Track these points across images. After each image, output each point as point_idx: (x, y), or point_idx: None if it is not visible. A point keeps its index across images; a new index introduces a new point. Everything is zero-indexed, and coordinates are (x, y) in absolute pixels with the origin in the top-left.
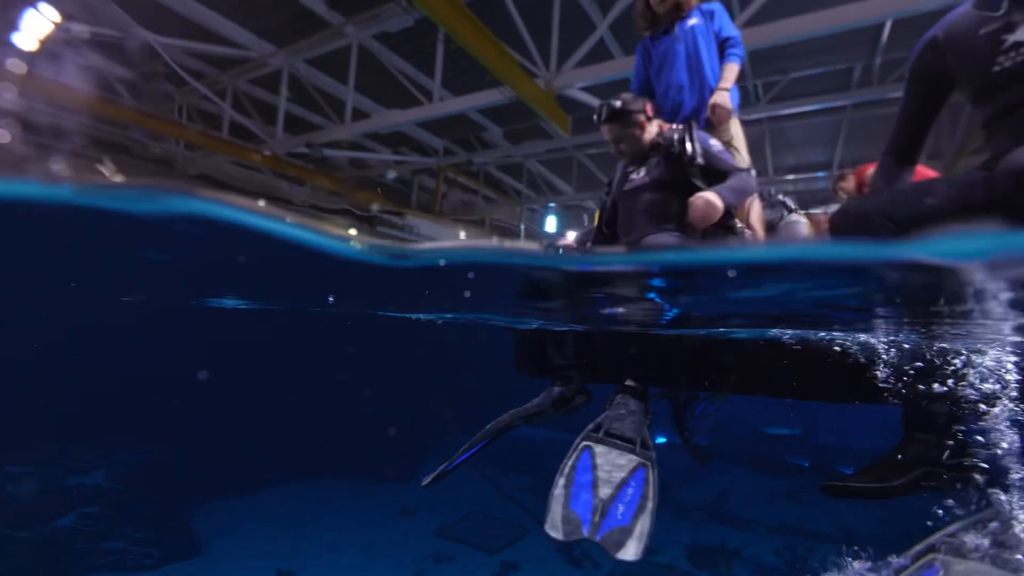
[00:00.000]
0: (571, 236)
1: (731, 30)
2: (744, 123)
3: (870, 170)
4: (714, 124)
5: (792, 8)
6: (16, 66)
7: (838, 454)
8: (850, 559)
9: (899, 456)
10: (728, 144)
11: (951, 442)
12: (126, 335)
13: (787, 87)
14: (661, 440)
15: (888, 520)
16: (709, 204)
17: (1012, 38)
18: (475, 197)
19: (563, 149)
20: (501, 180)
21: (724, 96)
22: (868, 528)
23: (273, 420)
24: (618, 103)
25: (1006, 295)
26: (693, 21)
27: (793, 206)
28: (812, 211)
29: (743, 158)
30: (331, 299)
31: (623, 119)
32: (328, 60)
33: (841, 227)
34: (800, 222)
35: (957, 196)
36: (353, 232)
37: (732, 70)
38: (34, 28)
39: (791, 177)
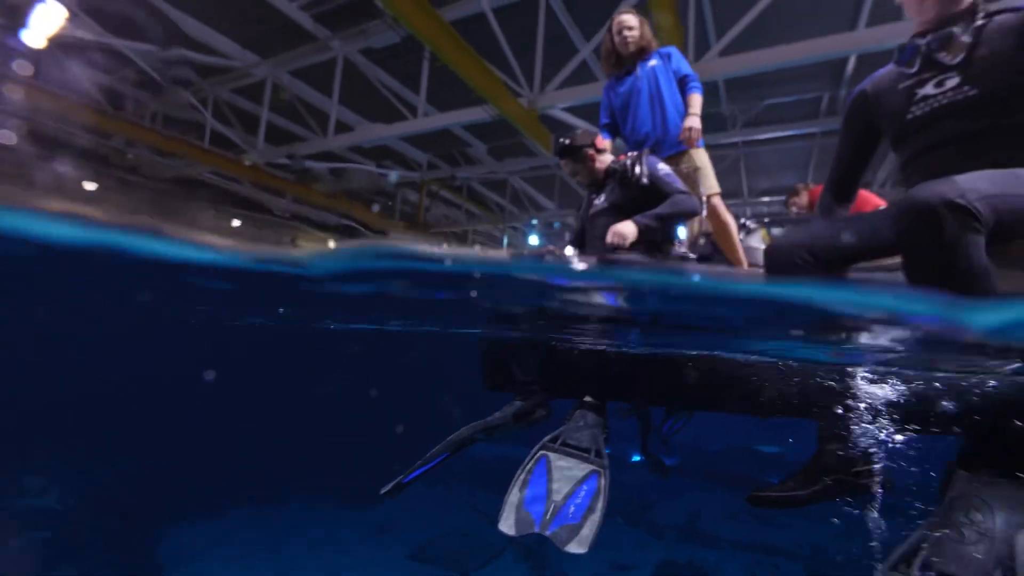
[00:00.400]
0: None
1: (687, 69)
2: (720, 147)
3: None
4: (687, 145)
5: (765, 39)
6: (23, 67)
7: None
8: None
9: (813, 467)
10: (695, 171)
11: (858, 453)
12: (82, 350)
13: (761, 113)
14: (636, 458)
15: (856, 536)
16: (615, 232)
17: (922, 92)
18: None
19: (546, 166)
20: (484, 195)
21: (696, 120)
22: (835, 545)
23: (239, 438)
24: (567, 140)
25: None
26: (653, 63)
27: (753, 227)
28: (773, 231)
29: (711, 184)
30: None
31: (574, 154)
32: (313, 72)
33: (769, 258)
34: (758, 248)
35: (869, 233)
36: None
37: (696, 99)
38: (43, 27)
39: (767, 199)
